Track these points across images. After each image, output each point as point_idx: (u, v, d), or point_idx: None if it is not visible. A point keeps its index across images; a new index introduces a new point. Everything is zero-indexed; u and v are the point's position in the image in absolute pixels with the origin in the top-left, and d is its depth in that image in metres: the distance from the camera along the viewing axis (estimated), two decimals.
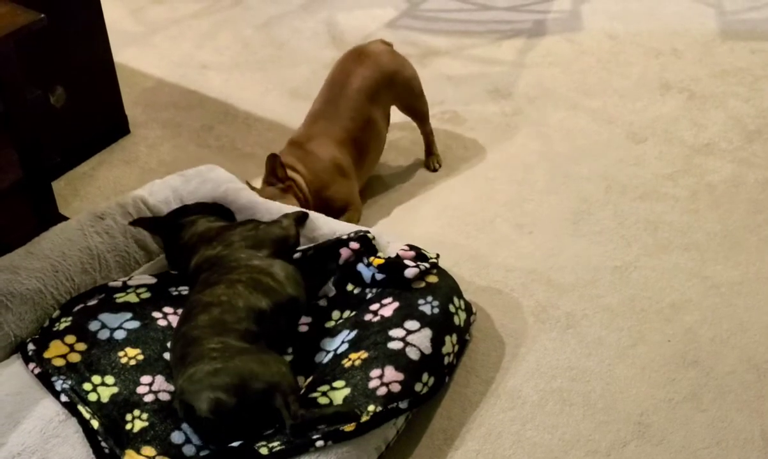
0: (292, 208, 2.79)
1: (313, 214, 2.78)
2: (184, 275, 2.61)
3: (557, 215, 3.12)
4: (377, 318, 2.44)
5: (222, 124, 3.64)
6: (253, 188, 2.94)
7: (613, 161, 3.37)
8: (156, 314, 2.52)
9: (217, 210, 2.78)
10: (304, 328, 2.50)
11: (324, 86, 3.22)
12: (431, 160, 3.38)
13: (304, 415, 2.17)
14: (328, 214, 2.88)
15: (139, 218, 2.73)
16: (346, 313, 2.54)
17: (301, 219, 2.71)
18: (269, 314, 2.39)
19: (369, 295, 2.55)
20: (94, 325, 2.45)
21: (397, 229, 3.04)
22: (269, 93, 3.83)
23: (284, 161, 2.94)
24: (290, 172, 2.96)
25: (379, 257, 2.57)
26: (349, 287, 2.58)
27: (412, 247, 2.60)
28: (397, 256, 2.57)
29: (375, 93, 3.15)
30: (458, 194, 3.23)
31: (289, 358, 2.43)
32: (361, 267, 2.57)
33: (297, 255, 2.63)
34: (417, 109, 3.34)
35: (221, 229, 2.63)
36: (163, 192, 2.85)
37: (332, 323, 2.52)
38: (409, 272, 2.51)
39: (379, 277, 2.54)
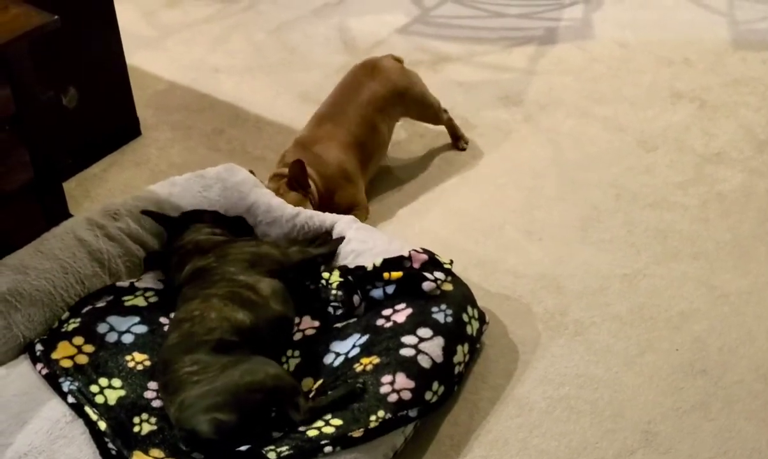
0: (328, 218, 2.81)
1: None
2: (173, 286, 2.56)
3: (566, 222, 3.11)
4: (390, 323, 2.43)
5: (233, 127, 3.65)
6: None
7: (623, 169, 3.36)
8: (163, 320, 2.52)
9: (236, 225, 2.76)
10: (311, 332, 2.50)
11: (332, 93, 3.29)
12: (459, 143, 3.50)
13: (312, 408, 2.19)
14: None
15: (151, 211, 2.72)
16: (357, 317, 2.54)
17: (329, 250, 2.70)
18: (249, 327, 2.34)
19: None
20: (102, 328, 2.46)
21: (406, 232, 3.05)
22: (280, 97, 3.84)
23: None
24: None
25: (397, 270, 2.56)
26: (356, 300, 2.57)
27: (424, 251, 2.60)
28: (410, 258, 2.56)
29: (383, 107, 3.23)
30: (467, 199, 3.23)
31: (296, 361, 2.43)
32: (373, 292, 2.55)
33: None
34: (430, 116, 3.44)
35: (222, 241, 2.60)
36: (184, 197, 2.82)
37: (342, 325, 2.52)
38: (427, 286, 2.50)
39: (389, 290, 2.53)
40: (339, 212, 2.97)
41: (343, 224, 2.78)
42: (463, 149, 3.48)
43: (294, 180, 2.95)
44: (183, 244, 2.60)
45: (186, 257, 2.56)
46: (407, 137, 3.56)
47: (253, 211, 2.83)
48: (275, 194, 2.91)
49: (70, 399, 2.26)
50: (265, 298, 2.42)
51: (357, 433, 2.15)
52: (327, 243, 2.72)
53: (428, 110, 3.40)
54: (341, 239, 2.72)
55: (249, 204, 2.84)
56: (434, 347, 2.35)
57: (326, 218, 2.81)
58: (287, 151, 3.11)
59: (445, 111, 3.48)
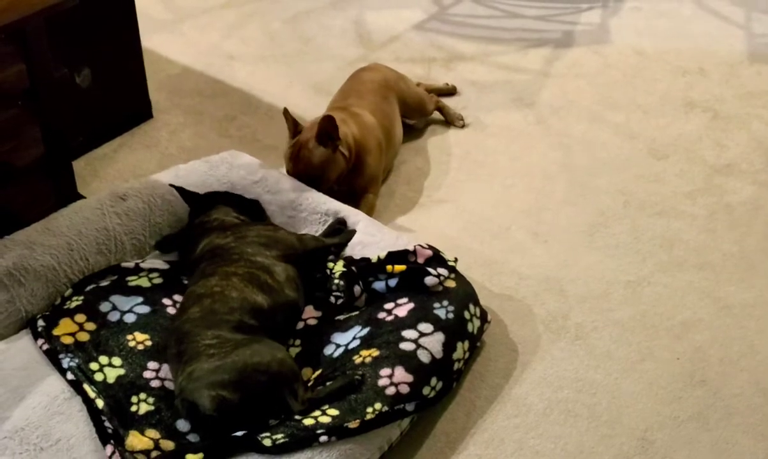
0: (334, 203, 2.83)
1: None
2: (187, 261, 2.60)
3: (573, 226, 3.11)
4: (391, 317, 2.44)
5: (244, 114, 3.66)
6: (295, 128, 3.00)
7: (632, 176, 3.36)
8: (166, 301, 2.52)
9: (251, 207, 2.79)
10: (313, 322, 2.50)
11: (339, 91, 3.43)
12: (456, 122, 3.61)
13: (310, 398, 2.20)
14: (348, 192, 3.03)
15: (178, 186, 2.74)
16: (359, 309, 2.54)
17: (341, 241, 2.72)
18: (266, 310, 2.37)
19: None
20: (104, 306, 2.47)
21: (413, 228, 3.05)
22: (293, 87, 3.85)
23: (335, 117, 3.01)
24: (342, 128, 3.01)
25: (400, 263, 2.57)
26: (357, 291, 2.58)
27: (429, 247, 2.60)
28: (415, 253, 2.57)
29: (385, 95, 3.36)
30: (475, 199, 3.23)
31: (296, 350, 2.43)
32: (376, 284, 2.56)
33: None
34: (420, 104, 3.54)
35: (242, 222, 2.65)
36: (190, 177, 2.86)
37: (344, 317, 2.52)
38: (429, 280, 2.50)
39: (392, 283, 2.54)
40: (355, 189, 3.07)
41: (349, 214, 2.79)
42: (462, 126, 3.59)
43: (324, 133, 2.93)
44: (209, 220, 2.64)
45: (207, 232, 2.59)
46: (417, 134, 3.56)
47: (261, 184, 2.88)
48: (293, 155, 2.95)
49: (69, 376, 2.26)
50: (281, 284, 2.45)
51: (353, 424, 2.15)
52: (339, 233, 2.73)
53: (416, 98, 3.52)
54: (353, 232, 2.73)
55: (257, 179, 2.89)
56: (434, 343, 2.35)
57: (329, 204, 2.82)
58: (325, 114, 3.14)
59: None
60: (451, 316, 2.44)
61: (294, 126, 3.00)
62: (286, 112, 3.01)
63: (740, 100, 3.82)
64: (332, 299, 2.53)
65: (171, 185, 2.75)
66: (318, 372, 2.36)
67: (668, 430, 2.42)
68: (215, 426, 2.15)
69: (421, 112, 3.55)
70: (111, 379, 2.28)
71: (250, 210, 2.79)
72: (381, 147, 3.16)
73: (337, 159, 2.97)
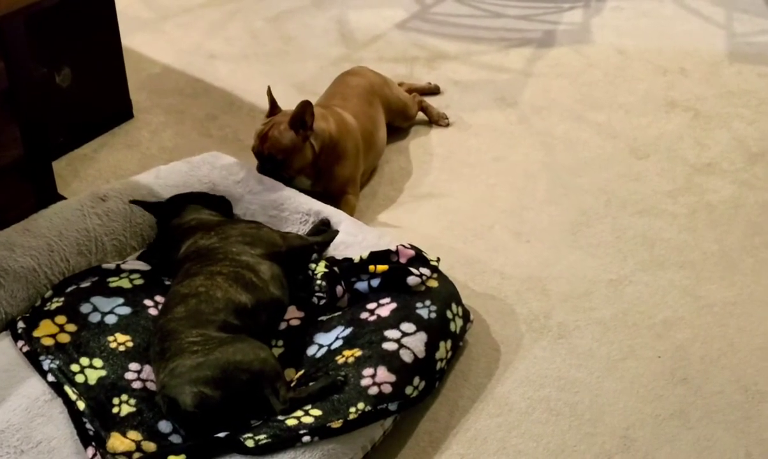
0: (316, 204, 2.83)
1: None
2: (169, 263, 2.58)
3: (556, 225, 3.12)
4: (374, 317, 2.44)
5: (226, 114, 3.65)
6: (273, 109, 3.03)
7: (614, 175, 3.37)
8: (147, 302, 2.51)
9: (219, 203, 2.78)
10: (295, 322, 2.50)
11: (324, 94, 3.43)
12: (440, 121, 3.61)
13: (292, 398, 2.19)
14: (324, 193, 3.02)
15: (140, 200, 2.73)
16: (342, 310, 2.54)
17: (324, 241, 2.71)
18: (250, 310, 2.37)
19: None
20: (85, 308, 2.45)
21: (396, 229, 3.05)
22: (275, 86, 3.79)
23: (314, 112, 3.00)
24: (319, 123, 3.01)
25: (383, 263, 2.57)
26: (339, 291, 2.57)
27: (412, 247, 2.60)
28: (397, 253, 2.57)
29: (370, 100, 3.35)
30: (458, 199, 3.23)
31: (279, 350, 2.43)
32: (358, 285, 2.56)
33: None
34: (403, 109, 3.53)
35: (224, 221, 2.64)
36: (171, 178, 2.85)
37: (326, 317, 2.52)
38: (412, 280, 2.50)
39: (374, 283, 2.53)
40: (331, 191, 3.05)
41: (331, 214, 2.79)
42: (447, 126, 3.59)
43: (298, 118, 2.93)
44: (185, 221, 2.62)
45: (189, 232, 2.58)
46: (400, 134, 3.56)
47: (243, 184, 2.87)
48: (262, 133, 2.96)
49: (50, 378, 2.25)
50: (266, 282, 2.45)
51: (336, 424, 2.15)
52: (322, 233, 2.73)
53: (400, 103, 3.50)
54: (336, 232, 2.72)
55: (238, 179, 2.89)
56: (417, 342, 2.36)
57: (311, 203, 2.82)
58: None
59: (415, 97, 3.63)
60: (433, 315, 2.44)
61: (273, 106, 3.02)
62: (269, 91, 3.02)
63: (721, 99, 3.84)
64: (315, 300, 2.53)
65: (131, 202, 2.72)
66: (301, 372, 2.36)
67: (650, 428, 2.43)
68: (196, 423, 2.14)
69: (405, 116, 3.54)
70: (92, 381, 2.26)
71: (218, 206, 2.78)
72: (358, 149, 3.14)
73: (305, 149, 2.96)
